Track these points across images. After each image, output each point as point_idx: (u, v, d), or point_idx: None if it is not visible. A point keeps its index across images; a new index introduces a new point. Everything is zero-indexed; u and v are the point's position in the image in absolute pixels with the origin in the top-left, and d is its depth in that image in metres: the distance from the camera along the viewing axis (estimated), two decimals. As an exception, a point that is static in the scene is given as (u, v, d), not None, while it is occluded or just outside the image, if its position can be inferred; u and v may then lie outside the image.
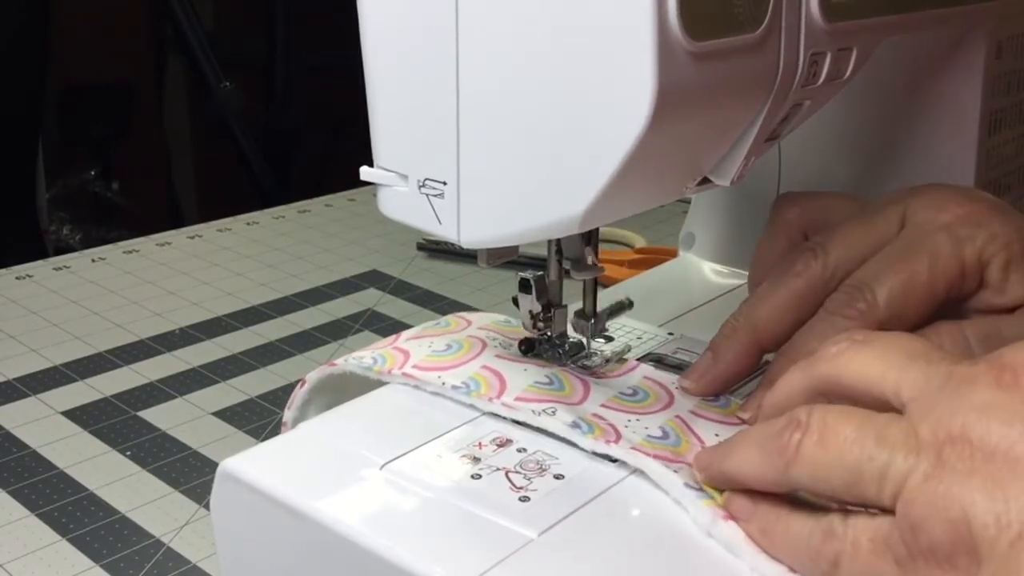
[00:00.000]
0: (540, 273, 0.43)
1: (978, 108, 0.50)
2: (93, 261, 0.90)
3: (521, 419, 0.39)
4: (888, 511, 0.29)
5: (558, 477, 0.36)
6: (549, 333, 0.44)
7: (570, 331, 0.45)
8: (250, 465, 0.37)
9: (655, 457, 0.36)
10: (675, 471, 0.35)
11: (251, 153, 1.72)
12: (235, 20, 2.07)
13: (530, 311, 0.43)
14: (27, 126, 1.57)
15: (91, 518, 0.53)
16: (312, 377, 0.45)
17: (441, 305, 0.81)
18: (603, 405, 0.41)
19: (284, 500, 0.35)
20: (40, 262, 0.89)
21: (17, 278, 0.85)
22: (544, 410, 0.39)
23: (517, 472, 0.37)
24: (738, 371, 0.42)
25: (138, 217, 1.82)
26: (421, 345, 0.45)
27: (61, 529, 0.52)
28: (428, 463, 0.37)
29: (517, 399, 0.40)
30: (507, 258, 0.41)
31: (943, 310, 0.40)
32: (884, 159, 0.53)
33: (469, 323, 0.47)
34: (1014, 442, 0.26)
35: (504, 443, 0.39)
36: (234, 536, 0.38)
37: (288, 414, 0.46)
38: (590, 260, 0.43)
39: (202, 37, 1.65)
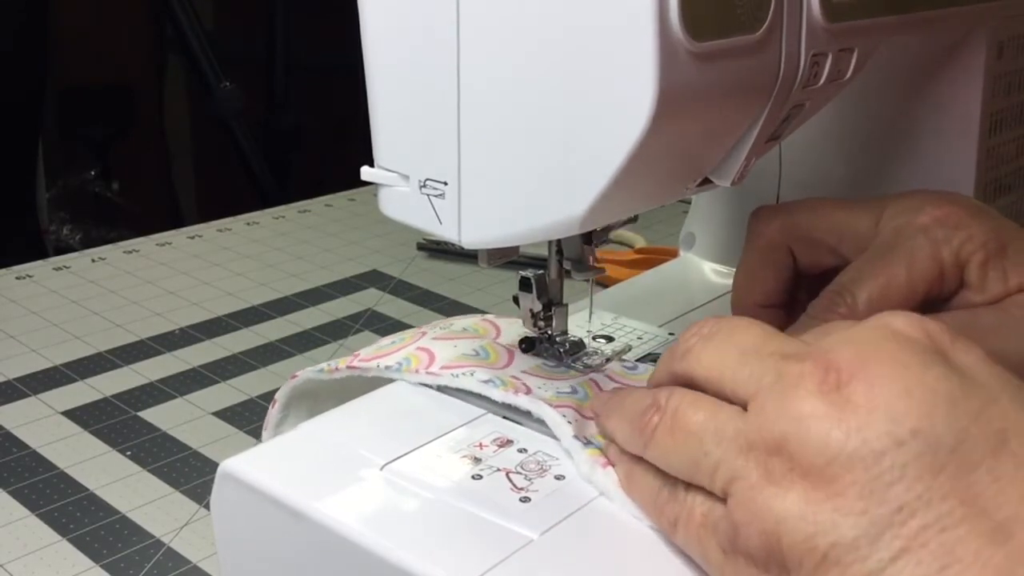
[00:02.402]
0: (541, 271, 0.43)
1: (979, 109, 0.50)
2: (93, 261, 0.90)
3: (443, 383, 0.41)
4: (721, 500, 0.30)
5: (559, 478, 0.36)
6: (549, 332, 0.44)
7: (571, 329, 0.45)
8: (250, 465, 0.37)
9: (557, 407, 0.39)
10: (569, 423, 0.38)
11: (251, 153, 1.72)
12: (235, 20, 2.07)
13: (531, 310, 0.43)
14: (27, 126, 1.57)
15: (91, 518, 0.53)
16: (281, 395, 0.46)
17: (441, 305, 0.81)
18: (524, 371, 0.42)
19: (284, 500, 0.35)
20: (40, 262, 0.89)
21: (17, 278, 0.85)
22: (463, 372, 0.41)
23: (518, 473, 0.37)
24: None
25: (138, 217, 1.83)
26: (370, 346, 0.46)
27: (61, 529, 0.52)
28: (429, 463, 0.37)
29: (442, 368, 0.42)
30: (508, 258, 0.41)
31: (925, 311, 0.40)
32: (884, 159, 0.53)
33: (420, 328, 0.48)
34: (828, 460, 0.26)
35: (505, 443, 0.39)
36: (234, 536, 0.38)
37: (265, 435, 0.46)
38: (591, 260, 0.43)
39: (202, 37, 1.65)
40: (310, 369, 0.45)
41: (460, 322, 0.47)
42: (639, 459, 0.33)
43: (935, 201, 0.41)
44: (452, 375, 0.42)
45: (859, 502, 0.26)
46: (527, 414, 0.39)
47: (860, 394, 0.27)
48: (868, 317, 0.39)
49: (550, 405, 0.39)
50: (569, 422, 0.38)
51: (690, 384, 0.33)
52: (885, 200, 0.43)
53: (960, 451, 0.26)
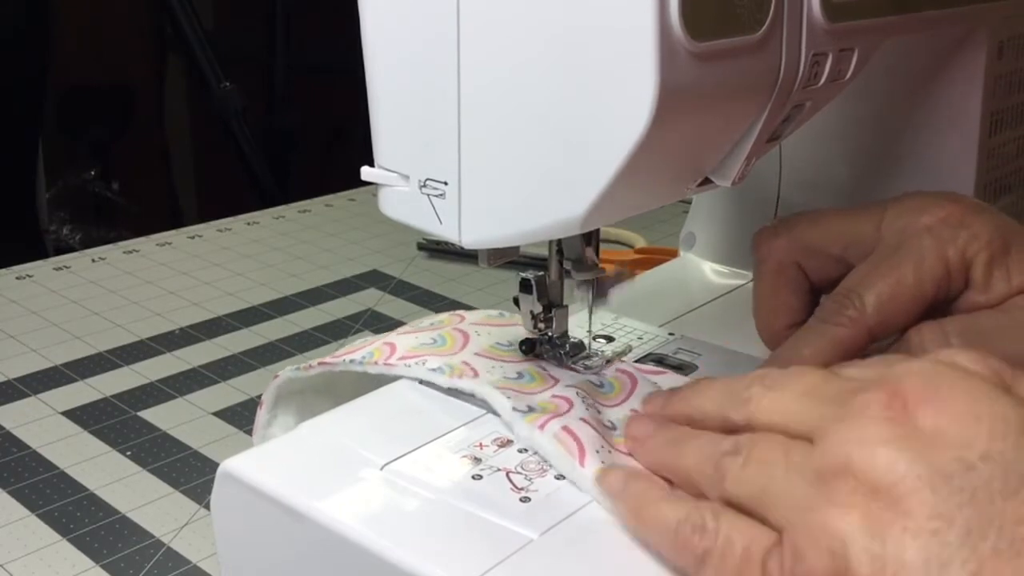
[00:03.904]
0: (541, 273, 0.43)
1: (979, 109, 0.50)
2: (93, 261, 0.90)
3: (397, 373, 0.43)
4: (775, 528, 0.29)
5: (559, 478, 0.36)
6: (550, 333, 0.44)
7: (571, 331, 0.45)
8: (250, 465, 0.37)
9: (499, 388, 0.40)
10: (508, 397, 0.39)
11: (251, 153, 1.72)
12: (235, 20, 2.07)
13: (531, 311, 0.43)
14: (27, 126, 1.57)
15: (91, 518, 0.53)
16: (267, 397, 0.46)
17: (441, 305, 0.81)
18: (476, 354, 0.44)
19: (284, 500, 0.35)
20: (40, 262, 0.89)
21: (17, 278, 0.85)
22: (415, 362, 0.43)
23: (518, 473, 0.37)
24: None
25: (138, 217, 1.82)
26: (346, 346, 0.47)
27: (61, 529, 0.52)
28: (429, 463, 0.37)
29: (399, 359, 0.43)
30: (508, 258, 0.41)
31: (932, 312, 0.40)
32: (885, 160, 0.53)
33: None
34: (895, 480, 0.26)
35: (505, 443, 0.39)
36: (234, 536, 0.38)
37: (256, 437, 0.47)
38: (591, 260, 0.43)
39: (202, 37, 1.65)
40: (288, 369, 0.46)
41: (429, 319, 0.48)
42: (648, 494, 0.33)
43: (937, 201, 0.41)
44: (406, 365, 0.43)
45: (929, 523, 0.25)
46: (471, 396, 0.41)
47: (928, 419, 0.27)
48: (877, 319, 0.39)
49: (494, 387, 0.40)
50: (508, 397, 0.39)
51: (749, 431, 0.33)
52: (884, 203, 0.43)
53: None
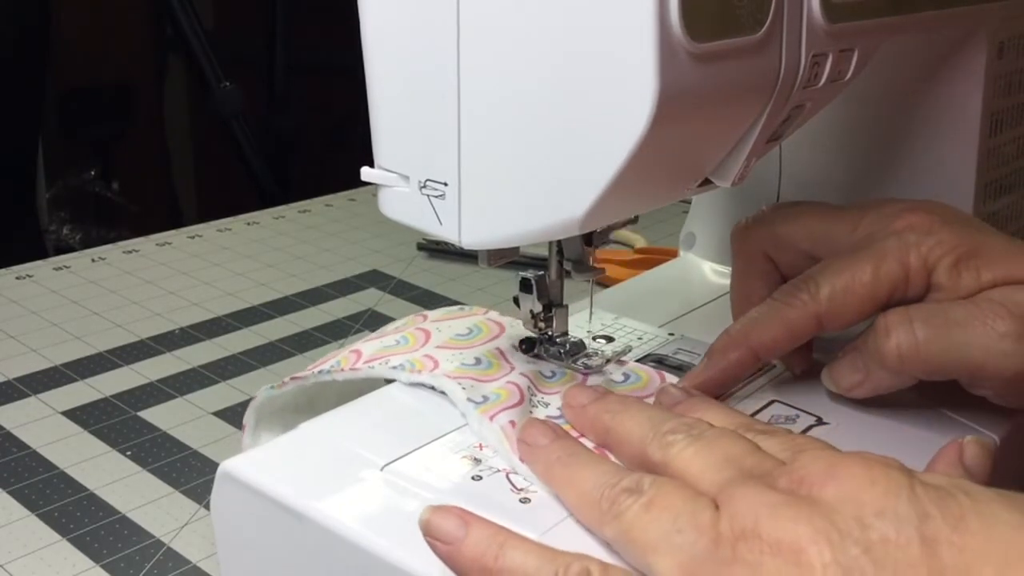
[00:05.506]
0: (541, 273, 0.43)
1: (979, 109, 0.50)
2: (93, 261, 0.90)
3: (363, 376, 0.43)
4: None
5: (559, 478, 0.36)
6: (550, 332, 0.44)
7: (571, 329, 0.45)
8: (250, 466, 0.37)
9: (454, 377, 0.41)
10: (463, 388, 0.40)
11: (251, 153, 1.72)
12: (235, 20, 2.07)
13: (531, 311, 0.43)
14: (27, 126, 1.57)
15: (91, 518, 0.53)
16: (248, 419, 0.46)
17: (441, 305, 0.81)
18: (438, 347, 0.44)
19: (284, 501, 0.35)
20: (40, 262, 0.89)
21: (17, 278, 0.85)
22: (379, 363, 0.43)
23: (518, 473, 0.37)
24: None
25: (138, 217, 1.83)
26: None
27: (61, 529, 0.52)
28: (429, 464, 0.37)
29: (364, 363, 0.44)
30: (508, 259, 0.41)
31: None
32: (885, 160, 0.53)
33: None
34: (798, 537, 0.28)
35: (505, 444, 0.39)
36: (234, 537, 0.38)
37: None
38: (591, 260, 0.43)
39: (202, 37, 1.65)
40: (264, 388, 0.46)
41: (394, 323, 0.49)
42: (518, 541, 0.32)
43: (912, 208, 0.42)
44: (369, 367, 0.43)
45: (826, 572, 0.27)
46: (432, 388, 0.42)
47: (829, 493, 0.29)
48: (828, 307, 0.41)
49: (449, 377, 0.41)
50: (463, 388, 0.40)
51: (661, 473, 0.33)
52: (866, 208, 0.44)
53: (923, 528, 0.27)
